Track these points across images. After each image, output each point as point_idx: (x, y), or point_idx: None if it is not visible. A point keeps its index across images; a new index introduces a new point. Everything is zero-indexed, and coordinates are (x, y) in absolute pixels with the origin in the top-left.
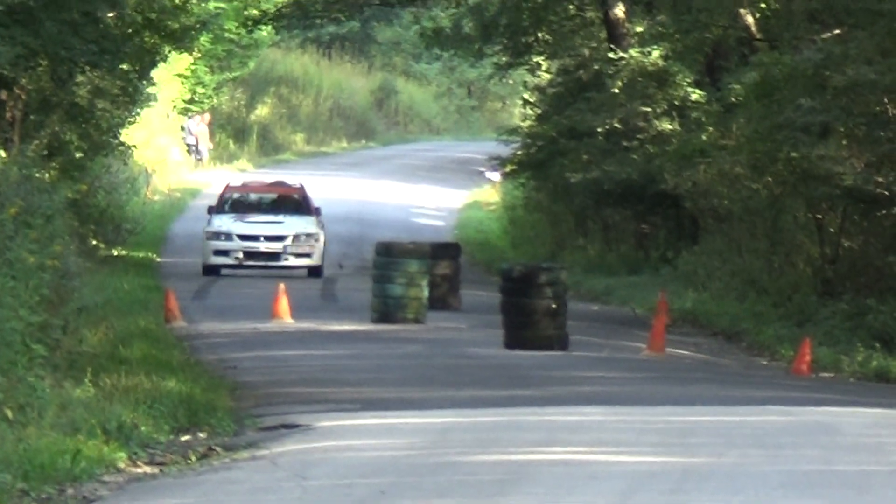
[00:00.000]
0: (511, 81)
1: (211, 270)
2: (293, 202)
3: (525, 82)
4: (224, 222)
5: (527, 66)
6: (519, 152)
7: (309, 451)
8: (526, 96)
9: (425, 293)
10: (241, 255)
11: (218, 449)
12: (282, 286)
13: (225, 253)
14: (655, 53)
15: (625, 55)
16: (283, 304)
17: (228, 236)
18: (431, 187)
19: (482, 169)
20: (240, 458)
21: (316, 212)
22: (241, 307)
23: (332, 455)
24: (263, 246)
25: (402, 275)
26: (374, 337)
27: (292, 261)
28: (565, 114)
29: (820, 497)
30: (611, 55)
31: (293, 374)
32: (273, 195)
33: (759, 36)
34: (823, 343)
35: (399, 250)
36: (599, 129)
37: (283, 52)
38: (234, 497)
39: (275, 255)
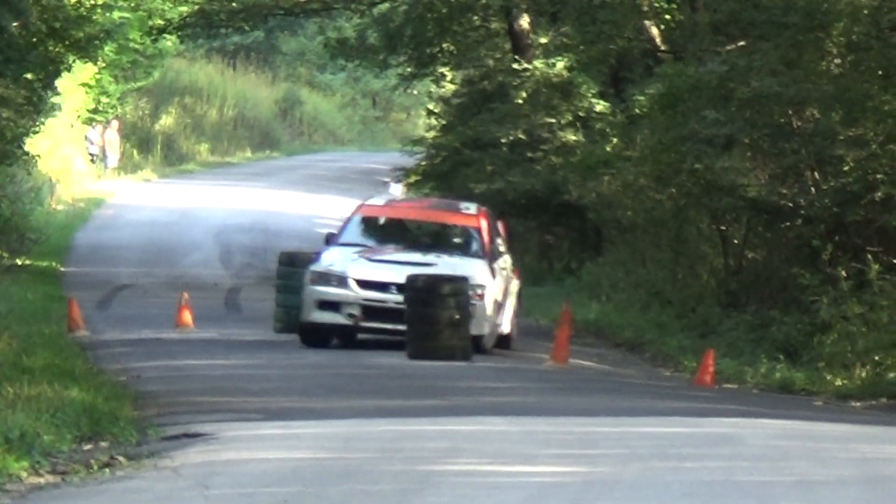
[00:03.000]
0: (416, 92)
1: (312, 334)
2: (461, 236)
3: (430, 93)
4: (338, 259)
5: (431, 77)
6: (423, 163)
7: (212, 461)
8: (430, 107)
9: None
10: (356, 310)
11: (120, 458)
12: (185, 295)
13: (334, 307)
14: (560, 64)
15: (529, 66)
16: (187, 314)
17: (342, 281)
18: (336, 197)
19: (386, 179)
20: (142, 467)
21: (492, 253)
22: (145, 316)
23: (235, 464)
24: (394, 299)
25: None
26: (277, 346)
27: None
28: (469, 124)
29: None
30: (515, 66)
31: (196, 383)
32: (435, 224)
33: (663, 47)
34: (727, 354)
35: (303, 260)
36: (504, 140)
37: (187, 62)
38: None
39: None
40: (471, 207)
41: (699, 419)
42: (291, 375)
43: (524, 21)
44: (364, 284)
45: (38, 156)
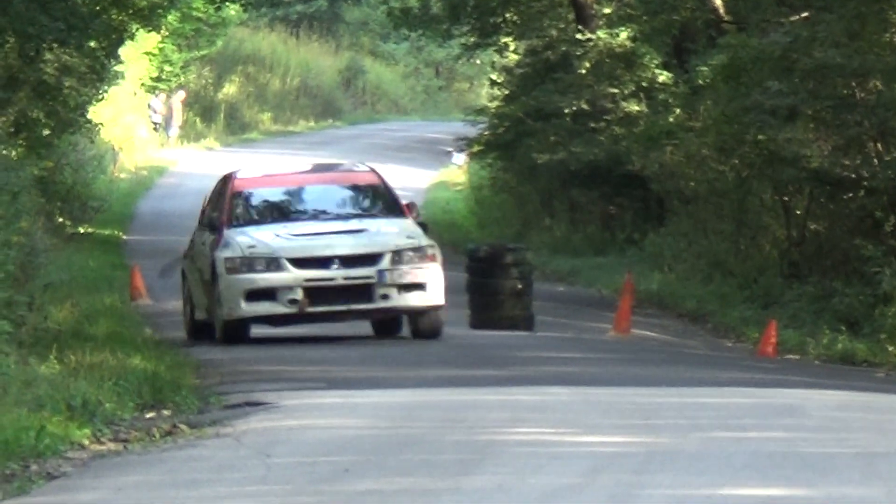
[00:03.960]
0: (479, 62)
1: (237, 331)
2: (368, 196)
3: (493, 63)
4: (256, 238)
5: (495, 47)
6: (486, 133)
7: (273, 429)
8: (493, 77)
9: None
10: (299, 294)
11: (182, 426)
12: None
13: (268, 295)
14: (623, 35)
15: (592, 36)
16: None
17: (273, 263)
18: (398, 167)
19: (449, 149)
20: (204, 435)
21: (410, 210)
22: None
23: (296, 433)
24: (341, 275)
25: None
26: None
27: (396, 299)
28: (532, 94)
29: (784, 478)
30: (578, 36)
31: (258, 352)
32: (323, 187)
33: (726, 18)
34: (789, 325)
35: None
36: (566, 111)
37: (250, 30)
38: (197, 474)
39: (362, 291)
40: (356, 164)
41: (761, 390)
42: (352, 345)
43: None
44: (301, 263)
45: (101, 124)
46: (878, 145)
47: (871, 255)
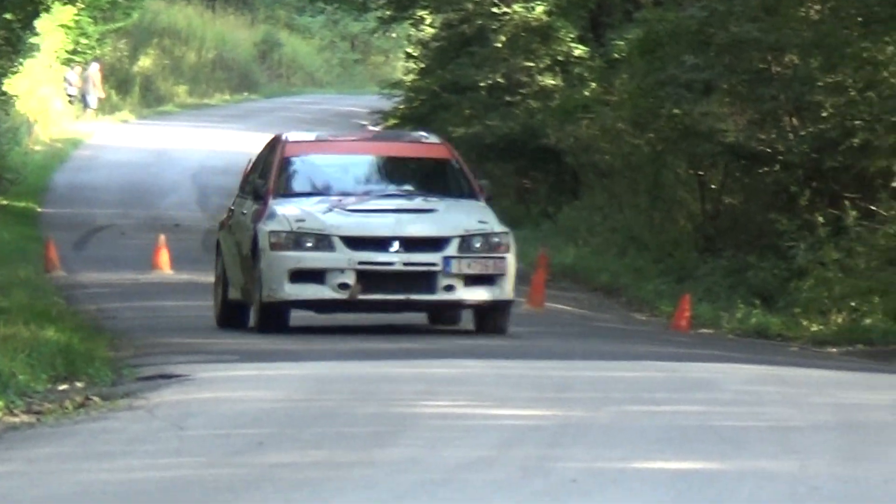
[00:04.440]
0: (394, 35)
1: (276, 317)
2: (437, 171)
3: (409, 36)
4: (306, 211)
5: (410, 21)
6: (401, 106)
7: (187, 402)
8: (409, 50)
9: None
10: (352, 278)
11: (95, 398)
12: (162, 237)
13: (316, 277)
14: (539, 9)
15: (508, 10)
16: (163, 256)
17: (323, 240)
18: None
19: (364, 122)
20: (117, 407)
21: (482, 191)
22: (122, 258)
23: (210, 405)
24: (401, 259)
25: None
26: None
27: (461, 292)
28: (448, 68)
29: (697, 452)
30: (494, 10)
31: (172, 324)
32: (385, 157)
33: None
34: (703, 299)
35: None
36: (482, 84)
37: (166, 3)
38: (110, 446)
39: (424, 280)
40: (426, 135)
41: (674, 364)
42: None
43: None
44: (356, 243)
45: (17, 96)
46: (794, 119)
47: (785, 229)
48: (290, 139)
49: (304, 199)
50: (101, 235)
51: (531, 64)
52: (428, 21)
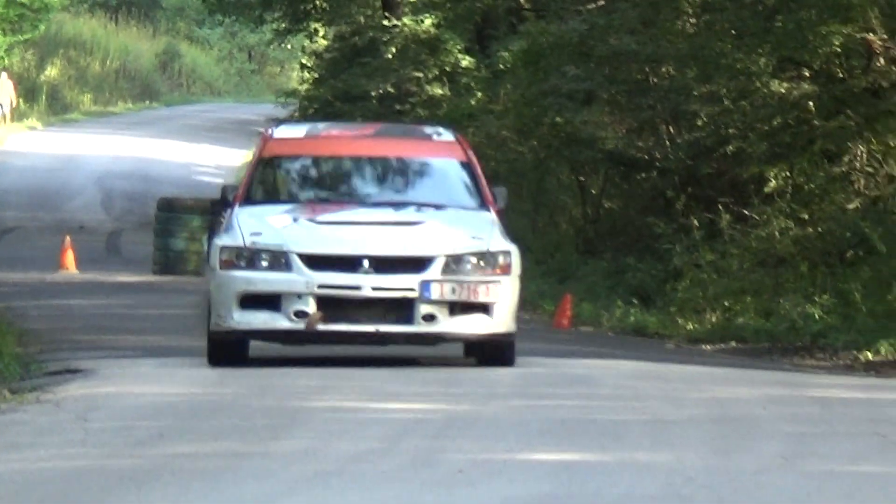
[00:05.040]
0: (290, 47)
1: (229, 349)
2: (443, 175)
3: (303, 47)
4: (266, 223)
5: (305, 33)
6: (296, 114)
7: (92, 395)
8: (303, 61)
9: (205, 247)
10: (311, 305)
11: (5, 392)
12: (68, 238)
13: (269, 303)
14: (427, 21)
15: (398, 23)
16: (69, 257)
17: (280, 258)
18: (212, 146)
19: (261, 130)
20: (25, 400)
21: (493, 200)
22: (29, 258)
23: (114, 399)
24: (371, 283)
25: (184, 229)
26: (156, 288)
27: (444, 323)
28: (341, 78)
29: (578, 444)
30: (385, 23)
31: (78, 321)
32: (383, 158)
33: (526, 6)
34: (584, 299)
35: (181, 206)
36: (373, 93)
37: (72, 15)
38: (19, 437)
39: (399, 309)
40: (442, 132)
41: (556, 360)
42: (168, 315)
43: None
44: (318, 262)
45: None
46: (670, 128)
47: (662, 232)
48: (275, 136)
49: (272, 207)
50: (9, 237)
51: (420, 74)
52: (321, 33)
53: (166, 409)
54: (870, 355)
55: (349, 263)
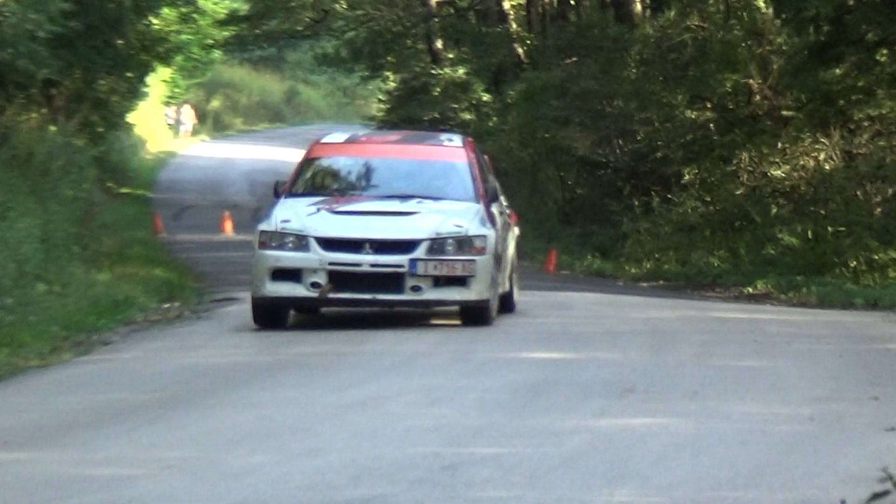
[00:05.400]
0: (370, 87)
1: (268, 313)
2: (443, 174)
3: (380, 87)
4: (293, 214)
5: (381, 77)
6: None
7: (243, 314)
8: (380, 96)
9: None
10: (323, 278)
11: (186, 312)
12: (227, 212)
13: (293, 276)
14: (461, 71)
15: (441, 71)
16: (228, 224)
17: (301, 241)
18: None
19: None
20: (200, 317)
21: (487, 193)
22: (202, 225)
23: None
24: (369, 261)
25: None
26: None
27: (428, 292)
28: (404, 108)
29: (560, 348)
30: (433, 71)
31: (233, 267)
32: (399, 160)
33: (525, 61)
34: (564, 253)
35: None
36: (425, 118)
37: (228, 66)
38: (195, 341)
39: (391, 281)
40: (454, 138)
41: (545, 292)
42: None
43: (438, 43)
44: (329, 244)
45: (135, 124)
46: (620, 141)
47: (615, 209)
48: (322, 141)
49: (306, 199)
50: (189, 212)
51: (456, 105)
52: (391, 78)
53: (292, 324)
54: (750, 290)
55: (354, 245)
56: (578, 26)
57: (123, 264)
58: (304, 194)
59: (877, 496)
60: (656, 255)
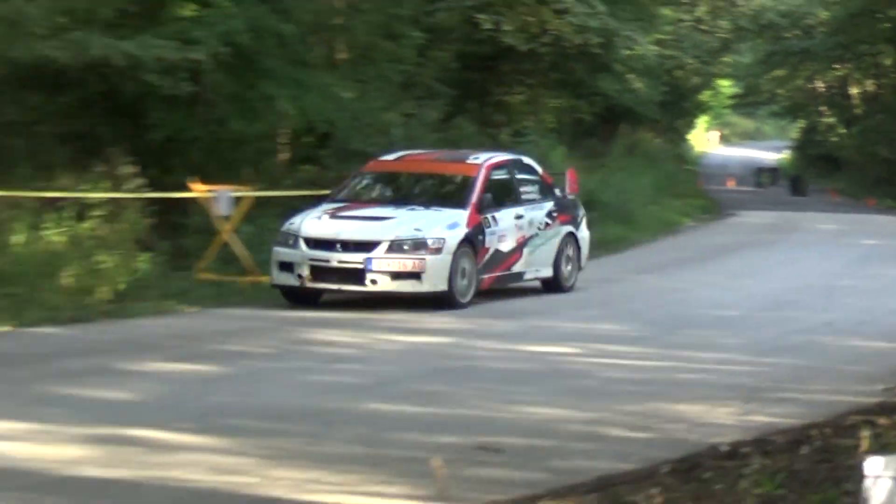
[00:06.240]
0: None
1: (286, 295)
2: (450, 188)
3: None
4: (301, 217)
5: None
6: None
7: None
8: None
9: None
10: (306, 271)
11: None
12: (731, 178)
13: (289, 267)
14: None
15: None
16: (731, 182)
17: (295, 240)
18: None
19: None
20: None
21: (481, 203)
22: (715, 183)
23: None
24: (337, 258)
25: None
26: None
27: (385, 284)
28: None
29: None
30: None
31: (736, 201)
32: (420, 174)
33: None
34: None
35: None
36: None
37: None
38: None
39: (354, 275)
40: (480, 157)
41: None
42: None
43: None
44: (312, 243)
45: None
46: None
47: None
48: (378, 158)
49: (331, 204)
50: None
51: None
52: None
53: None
54: None
55: (328, 244)
56: None
57: (680, 199)
58: (337, 200)
59: None
60: None
